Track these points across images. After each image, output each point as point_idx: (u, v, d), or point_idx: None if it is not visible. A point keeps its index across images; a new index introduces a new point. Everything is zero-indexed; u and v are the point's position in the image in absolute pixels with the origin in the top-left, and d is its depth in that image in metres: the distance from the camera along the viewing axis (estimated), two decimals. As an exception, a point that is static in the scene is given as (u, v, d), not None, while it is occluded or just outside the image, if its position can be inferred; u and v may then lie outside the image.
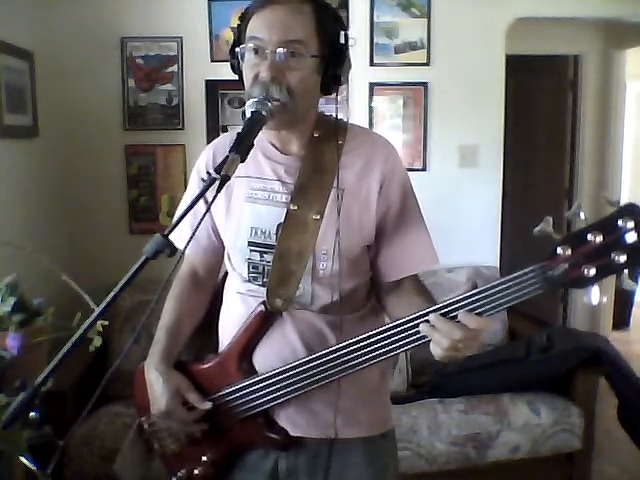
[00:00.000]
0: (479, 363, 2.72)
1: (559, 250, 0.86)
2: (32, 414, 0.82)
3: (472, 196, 3.19)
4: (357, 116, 3.07)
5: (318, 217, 1.14)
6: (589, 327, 4.27)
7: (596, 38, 4.15)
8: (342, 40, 1.12)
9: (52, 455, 0.88)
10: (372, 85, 3.08)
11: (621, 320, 4.80)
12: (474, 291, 0.95)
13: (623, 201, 0.85)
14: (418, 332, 1.00)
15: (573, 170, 4.34)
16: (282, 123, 1.11)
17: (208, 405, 1.19)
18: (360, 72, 3.05)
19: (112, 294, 0.85)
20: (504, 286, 0.92)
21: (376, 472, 1.23)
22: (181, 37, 2.96)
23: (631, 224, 0.82)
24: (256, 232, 1.18)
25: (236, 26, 1.15)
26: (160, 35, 2.95)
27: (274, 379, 1.13)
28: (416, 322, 1.00)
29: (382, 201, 1.17)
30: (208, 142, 1.32)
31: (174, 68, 2.98)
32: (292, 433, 1.19)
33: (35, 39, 2.66)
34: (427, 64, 3.08)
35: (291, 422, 1.19)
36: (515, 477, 2.58)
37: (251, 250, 1.18)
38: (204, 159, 1.27)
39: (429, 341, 0.99)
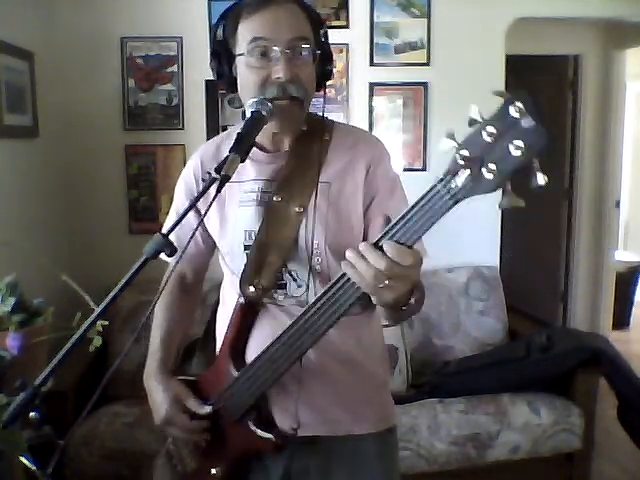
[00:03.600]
0: (479, 363, 2.73)
1: (457, 157, 0.79)
2: (32, 414, 0.82)
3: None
4: (357, 116, 3.08)
5: (301, 210, 1.13)
6: (589, 327, 4.27)
7: (596, 38, 4.15)
8: (325, 37, 1.14)
9: (52, 455, 0.88)
10: (372, 85, 3.08)
11: (621, 320, 4.81)
12: (392, 223, 0.87)
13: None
14: (341, 289, 0.93)
15: (573, 170, 4.34)
16: (293, 121, 1.12)
17: (208, 409, 1.18)
18: (360, 72, 3.06)
19: (112, 294, 0.85)
20: (416, 209, 0.84)
21: (386, 466, 1.24)
22: (181, 37, 2.96)
23: (523, 109, 0.76)
24: (250, 235, 1.18)
25: (215, 31, 1.15)
26: (160, 35, 2.95)
27: (257, 365, 1.10)
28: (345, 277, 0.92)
29: (367, 191, 1.16)
30: (208, 142, 1.32)
31: (174, 68, 2.98)
32: (303, 434, 1.17)
33: (35, 39, 2.66)
34: (427, 64, 3.08)
35: (297, 421, 1.17)
36: (515, 477, 2.58)
37: (248, 254, 1.18)
38: (192, 168, 1.27)
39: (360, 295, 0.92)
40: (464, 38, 3.08)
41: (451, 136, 0.79)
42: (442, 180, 0.81)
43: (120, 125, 2.99)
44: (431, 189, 0.82)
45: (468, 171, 0.79)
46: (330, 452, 1.20)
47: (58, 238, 2.85)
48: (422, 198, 0.83)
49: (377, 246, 0.86)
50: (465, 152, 0.78)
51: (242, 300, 1.17)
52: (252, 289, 1.15)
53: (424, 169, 3.13)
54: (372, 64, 3.07)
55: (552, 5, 3.16)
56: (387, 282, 0.85)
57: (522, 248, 4.45)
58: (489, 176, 0.78)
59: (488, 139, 0.76)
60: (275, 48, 1.06)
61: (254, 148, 1.18)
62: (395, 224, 0.85)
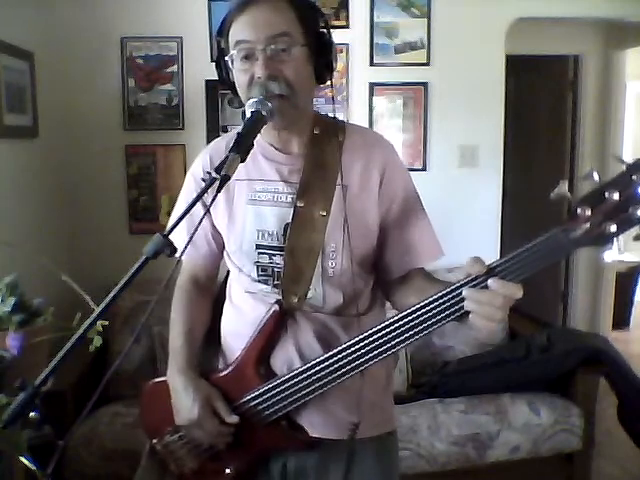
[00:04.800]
0: (479, 363, 2.72)
1: (579, 211, 0.89)
2: (32, 414, 0.82)
3: (472, 196, 3.19)
4: (357, 116, 3.08)
5: (324, 214, 1.14)
6: (589, 327, 4.27)
7: (596, 38, 4.15)
8: (323, 26, 1.13)
9: (52, 455, 0.88)
10: (372, 85, 3.08)
11: (621, 320, 4.80)
12: (501, 260, 0.95)
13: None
14: (447, 309, 0.99)
15: (573, 170, 4.34)
16: (287, 120, 1.11)
17: (235, 419, 1.16)
18: (360, 72, 3.06)
19: (112, 294, 0.84)
20: (530, 252, 0.93)
21: (384, 469, 1.24)
22: (181, 37, 2.96)
23: None
24: (263, 235, 1.17)
25: (216, 40, 1.15)
26: (160, 35, 2.95)
27: (298, 378, 1.11)
28: (446, 297, 0.98)
29: (384, 196, 1.17)
30: (208, 142, 1.32)
31: (174, 68, 2.98)
32: (310, 434, 1.18)
33: (35, 39, 2.66)
34: (427, 64, 3.08)
35: (309, 423, 1.18)
36: (515, 477, 2.58)
37: (259, 253, 1.18)
38: (200, 164, 1.26)
39: (457, 318, 0.99)
40: (464, 38, 3.08)
41: (564, 187, 0.91)
42: (564, 229, 0.91)
43: (120, 125, 2.99)
44: (551, 236, 0.92)
45: (587, 225, 0.89)
46: (328, 453, 1.19)
47: (58, 238, 2.85)
48: (539, 243, 0.92)
49: (478, 281, 0.95)
50: (588, 210, 0.88)
51: (277, 308, 1.15)
52: (294, 298, 1.14)
53: (424, 169, 3.14)
54: (372, 64, 3.07)
55: (553, 5, 3.16)
56: (500, 314, 0.95)
57: (522, 248, 4.45)
58: (609, 232, 0.89)
59: (610, 200, 0.87)
60: (256, 48, 1.06)
61: (270, 147, 1.19)
62: (505, 262, 0.95)
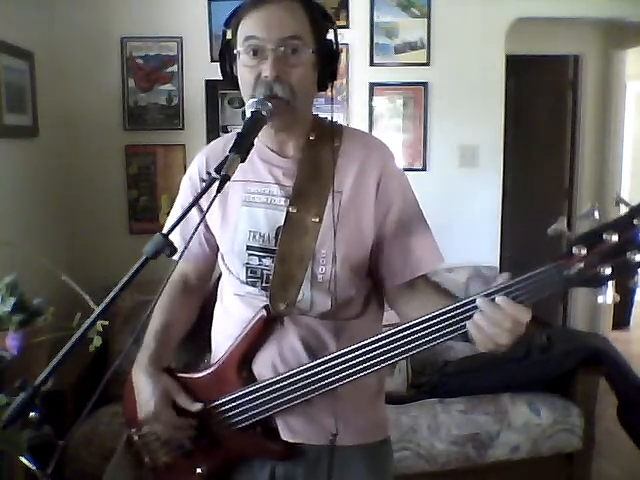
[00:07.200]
0: (479, 363, 2.72)
1: (575, 250, 0.87)
2: (32, 414, 0.82)
3: (472, 196, 3.19)
4: (357, 116, 3.08)
5: (317, 220, 1.13)
6: (589, 327, 4.27)
7: (596, 38, 4.15)
8: (333, 35, 1.12)
9: (52, 455, 0.88)
10: (372, 85, 3.08)
11: (621, 320, 4.80)
12: (493, 289, 0.93)
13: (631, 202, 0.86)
14: (451, 325, 0.98)
15: (573, 170, 4.34)
16: (284, 123, 1.11)
17: (198, 406, 1.16)
18: (360, 72, 3.06)
19: (112, 294, 0.84)
20: (524, 283, 0.91)
21: (376, 478, 1.22)
22: (181, 37, 2.96)
23: None
24: (254, 236, 1.17)
25: (222, 31, 1.14)
26: (160, 35, 2.96)
27: (275, 386, 1.11)
28: (458, 310, 0.97)
29: (380, 203, 1.16)
30: (208, 142, 1.32)
31: (174, 68, 2.98)
32: (291, 440, 1.16)
33: (35, 39, 2.66)
34: (427, 64, 3.08)
35: (290, 429, 1.16)
36: (515, 477, 2.58)
37: (250, 254, 1.17)
38: (197, 166, 1.25)
39: (461, 334, 0.98)
40: (464, 38, 3.08)
41: (562, 224, 0.87)
42: (557, 267, 0.89)
43: (120, 125, 2.99)
44: (542, 272, 0.90)
45: (582, 265, 0.87)
46: (316, 461, 1.17)
47: (58, 238, 2.85)
48: (532, 276, 0.90)
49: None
50: (584, 250, 0.86)
51: (265, 313, 1.14)
52: (282, 305, 1.13)
53: (424, 169, 3.14)
54: (372, 64, 3.07)
55: (552, 5, 3.16)
56: (505, 338, 0.96)
57: (522, 248, 4.45)
58: (603, 274, 0.86)
59: (608, 242, 0.84)
60: (266, 47, 1.05)
61: (266, 149, 1.18)
62: (496, 291, 0.92)
